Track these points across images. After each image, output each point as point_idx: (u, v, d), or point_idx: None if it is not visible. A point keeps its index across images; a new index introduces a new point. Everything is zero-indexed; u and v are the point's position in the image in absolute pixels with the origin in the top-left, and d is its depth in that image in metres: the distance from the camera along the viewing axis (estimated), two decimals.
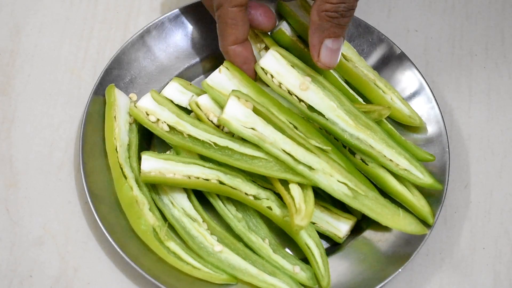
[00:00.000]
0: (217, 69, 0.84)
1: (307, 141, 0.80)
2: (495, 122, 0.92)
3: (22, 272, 0.83)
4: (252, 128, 0.80)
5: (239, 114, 0.79)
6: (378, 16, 0.96)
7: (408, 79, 0.89)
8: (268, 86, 0.84)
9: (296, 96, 0.82)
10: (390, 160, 0.82)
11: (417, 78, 0.89)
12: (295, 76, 0.82)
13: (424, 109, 0.88)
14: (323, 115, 0.81)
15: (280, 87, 0.82)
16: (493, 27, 0.97)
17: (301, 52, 0.89)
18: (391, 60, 0.90)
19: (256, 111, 0.80)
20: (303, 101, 0.82)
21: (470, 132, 0.91)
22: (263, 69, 0.82)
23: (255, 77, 0.84)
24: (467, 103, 0.93)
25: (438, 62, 0.95)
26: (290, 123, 0.81)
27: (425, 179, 0.82)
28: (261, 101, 0.81)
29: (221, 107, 0.82)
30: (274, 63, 0.82)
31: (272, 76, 0.82)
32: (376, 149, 0.82)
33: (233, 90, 0.80)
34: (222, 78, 0.83)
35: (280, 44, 0.90)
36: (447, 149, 0.85)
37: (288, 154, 0.79)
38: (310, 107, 0.82)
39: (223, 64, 0.84)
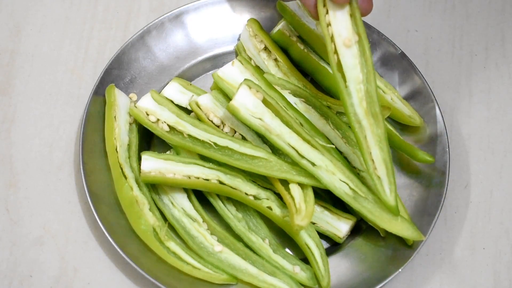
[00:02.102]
0: (230, 62, 0.84)
1: (313, 137, 0.80)
2: (495, 122, 0.92)
3: (22, 272, 0.83)
4: (260, 119, 0.80)
5: (248, 103, 0.80)
6: (378, 16, 0.96)
7: (408, 79, 0.89)
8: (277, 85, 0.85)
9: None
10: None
11: (417, 78, 0.88)
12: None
13: (424, 109, 0.88)
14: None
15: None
16: (493, 27, 0.97)
17: (301, 52, 0.89)
18: (391, 60, 0.90)
19: (265, 102, 0.80)
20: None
21: (470, 132, 0.91)
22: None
23: None
24: (467, 103, 0.93)
25: (438, 62, 0.95)
26: (297, 119, 0.81)
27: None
28: (271, 95, 0.81)
29: (229, 99, 0.81)
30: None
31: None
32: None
33: (245, 79, 0.80)
34: (234, 71, 0.84)
35: (280, 44, 0.90)
36: (447, 149, 0.85)
37: (293, 148, 0.79)
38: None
39: (237, 58, 0.85)
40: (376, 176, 0.77)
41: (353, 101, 0.76)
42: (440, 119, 0.87)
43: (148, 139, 0.88)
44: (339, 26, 0.74)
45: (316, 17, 0.76)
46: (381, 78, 0.89)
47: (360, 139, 0.77)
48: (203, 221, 0.83)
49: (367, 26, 0.90)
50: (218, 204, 0.83)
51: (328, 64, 0.89)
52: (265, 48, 0.89)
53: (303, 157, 0.79)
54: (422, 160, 0.84)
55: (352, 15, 0.75)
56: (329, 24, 0.75)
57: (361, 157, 0.82)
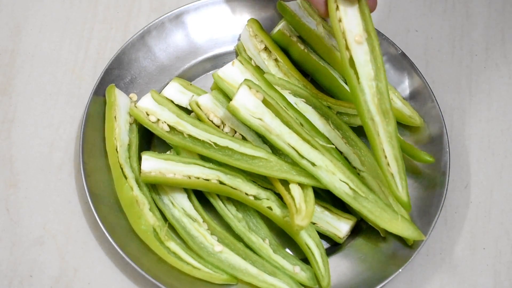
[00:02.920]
0: (230, 62, 0.84)
1: (313, 138, 0.80)
2: (495, 122, 0.92)
3: (22, 272, 0.83)
4: (260, 119, 0.80)
5: (248, 103, 0.80)
6: (378, 16, 0.96)
7: (408, 79, 0.89)
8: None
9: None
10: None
11: (417, 78, 0.88)
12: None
13: (424, 109, 0.88)
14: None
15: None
16: (493, 27, 0.97)
17: (301, 52, 0.89)
18: (391, 60, 0.90)
19: (265, 103, 0.80)
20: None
21: (470, 132, 0.91)
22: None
23: None
24: (467, 103, 0.93)
25: (438, 62, 0.95)
26: (297, 119, 0.81)
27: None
28: (271, 95, 0.81)
29: (229, 99, 0.81)
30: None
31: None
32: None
33: (245, 79, 0.80)
34: (235, 71, 0.84)
35: (280, 44, 0.90)
36: (447, 149, 0.85)
37: (293, 148, 0.79)
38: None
39: (237, 58, 0.85)
40: (389, 173, 0.77)
41: (366, 98, 0.76)
42: (440, 119, 0.87)
43: (148, 139, 0.88)
44: (350, 22, 0.75)
45: (325, 14, 0.76)
46: None
47: (374, 136, 0.77)
48: (203, 221, 0.83)
49: None
50: (218, 204, 0.83)
51: (328, 64, 0.89)
52: (265, 48, 0.89)
53: (303, 157, 0.79)
54: (422, 160, 0.84)
55: (361, 12, 0.76)
56: (340, 20, 0.76)
57: (361, 157, 0.82)
